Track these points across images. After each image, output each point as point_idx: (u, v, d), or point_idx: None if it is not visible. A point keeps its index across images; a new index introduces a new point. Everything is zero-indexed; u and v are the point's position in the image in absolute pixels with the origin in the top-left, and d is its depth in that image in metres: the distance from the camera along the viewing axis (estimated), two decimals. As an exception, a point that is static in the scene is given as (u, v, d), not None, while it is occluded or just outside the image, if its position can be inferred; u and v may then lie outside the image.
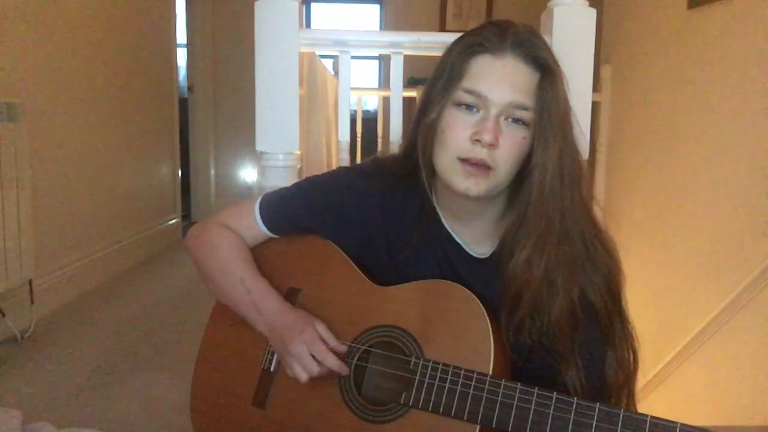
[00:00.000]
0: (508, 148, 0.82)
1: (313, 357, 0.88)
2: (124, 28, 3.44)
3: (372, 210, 0.96)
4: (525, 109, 0.82)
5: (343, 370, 0.89)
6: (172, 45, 4.22)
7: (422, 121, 0.88)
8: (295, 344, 0.89)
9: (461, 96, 0.83)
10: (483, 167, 0.82)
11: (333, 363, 0.88)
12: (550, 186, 0.83)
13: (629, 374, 0.89)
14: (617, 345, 0.88)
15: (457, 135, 0.83)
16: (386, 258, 0.97)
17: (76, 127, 2.96)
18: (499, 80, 0.82)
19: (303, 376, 0.89)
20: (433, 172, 0.90)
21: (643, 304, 2.35)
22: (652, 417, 0.71)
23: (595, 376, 0.87)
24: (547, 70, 0.83)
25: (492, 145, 0.81)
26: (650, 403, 2.25)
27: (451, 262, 0.94)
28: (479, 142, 0.81)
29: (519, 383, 0.78)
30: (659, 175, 2.40)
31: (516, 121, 0.83)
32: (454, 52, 0.87)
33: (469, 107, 0.83)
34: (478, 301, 0.84)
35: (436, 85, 0.87)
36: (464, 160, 0.83)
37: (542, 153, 0.83)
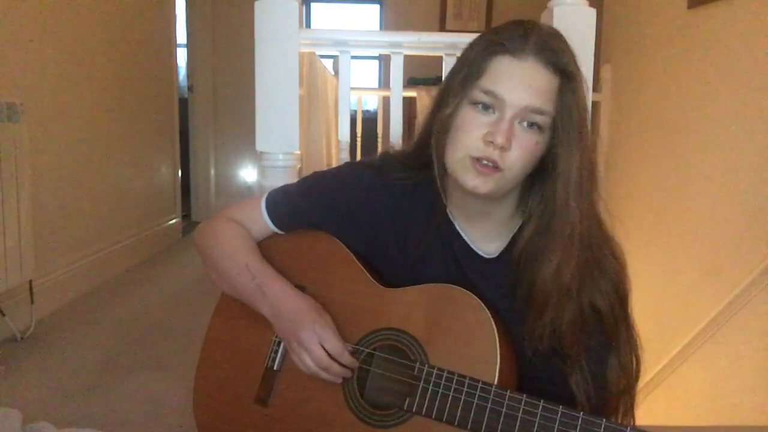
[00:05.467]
0: (520, 152, 0.81)
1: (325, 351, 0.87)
2: (124, 28, 3.44)
3: (380, 205, 0.95)
4: (541, 113, 0.81)
5: (352, 366, 0.88)
6: (172, 45, 4.21)
7: (437, 116, 0.87)
8: (305, 333, 0.87)
9: (478, 95, 0.82)
10: (493, 167, 0.81)
11: (348, 360, 0.87)
12: (574, 194, 0.82)
13: (631, 380, 0.89)
14: (621, 350, 0.87)
15: (471, 134, 0.82)
16: (395, 254, 0.95)
17: (76, 127, 2.95)
18: (518, 83, 0.80)
19: (312, 367, 0.87)
20: (445, 169, 0.89)
21: (643, 304, 2.33)
22: None
23: (598, 380, 0.86)
24: (568, 76, 0.82)
25: (504, 148, 0.80)
26: (650, 403, 2.25)
27: (459, 262, 0.93)
28: (492, 143, 0.80)
29: (524, 395, 0.78)
30: (659, 175, 2.40)
31: (531, 125, 0.81)
32: (475, 50, 0.85)
33: (485, 107, 0.82)
34: (486, 308, 0.83)
35: (454, 81, 0.86)
36: (476, 159, 0.82)
37: (566, 162, 0.81)
